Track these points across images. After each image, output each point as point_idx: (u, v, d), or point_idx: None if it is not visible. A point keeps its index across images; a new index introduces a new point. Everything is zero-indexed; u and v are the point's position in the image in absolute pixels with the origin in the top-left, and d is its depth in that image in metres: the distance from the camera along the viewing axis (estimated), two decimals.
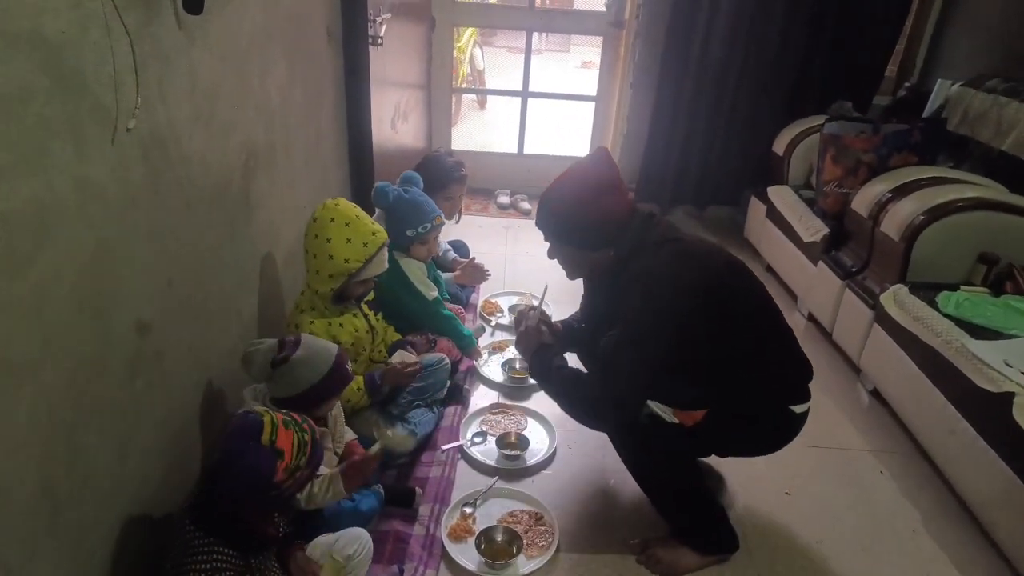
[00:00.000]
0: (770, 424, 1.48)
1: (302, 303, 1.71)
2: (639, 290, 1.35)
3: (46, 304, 0.91)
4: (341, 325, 1.70)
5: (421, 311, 2.06)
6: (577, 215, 1.40)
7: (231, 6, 1.45)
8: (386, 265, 1.75)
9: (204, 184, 1.38)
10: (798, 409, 1.46)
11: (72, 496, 1.01)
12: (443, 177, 2.45)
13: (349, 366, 1.47)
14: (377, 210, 2.13)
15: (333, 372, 1.42)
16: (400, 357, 1.83)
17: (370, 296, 1.85)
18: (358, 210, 1.71)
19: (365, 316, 1.82)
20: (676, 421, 1.43)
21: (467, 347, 2.17)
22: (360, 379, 1.70)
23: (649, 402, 1.43)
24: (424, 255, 2.13)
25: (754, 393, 1.43)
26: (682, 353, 1.35)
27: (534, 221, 1.53)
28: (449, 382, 1.98)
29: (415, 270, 2.06)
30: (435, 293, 2.09)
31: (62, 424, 0.97)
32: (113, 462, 1.11)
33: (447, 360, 1.96)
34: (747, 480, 1.80)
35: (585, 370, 1.66)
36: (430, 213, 2.07)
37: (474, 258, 2.63)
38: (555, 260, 1.54)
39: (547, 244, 1.52)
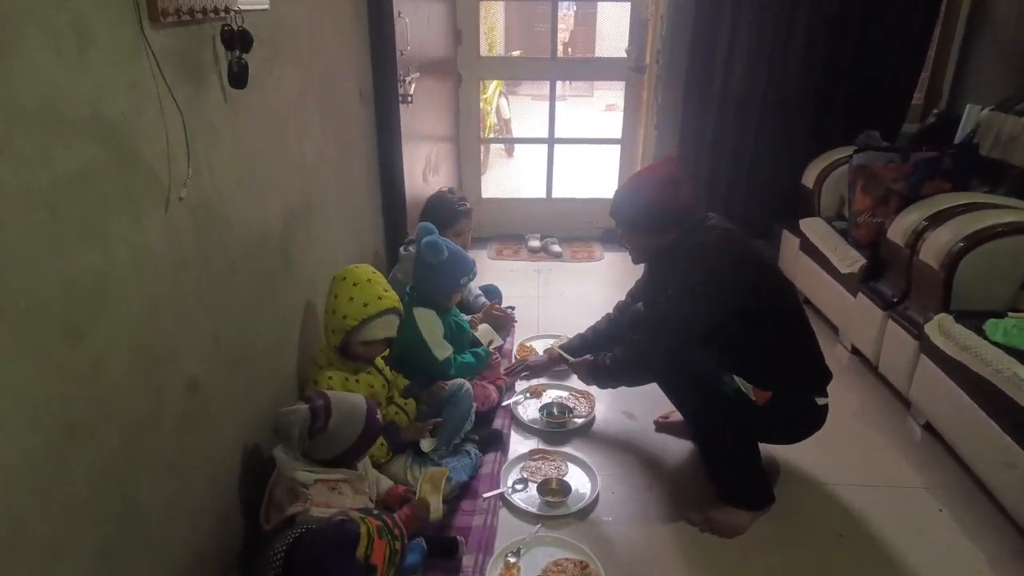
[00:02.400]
0: (800, 410, 1.70)
1: (319, 359, 1.77)
2: (690, 264, 1.64)
3: (103, 367, 0.96)
4: (357, 381, 1.75)
5: (432, 369, 2.05)
6: (647, 204, 1.71)
7: (272, 78, 1.54)
8: (393, 331, 1.79)
9: (247, 244, 1.44)
10: (820, 401, 1.69)
11: (127, 554, 1.03)
12: (451, 214, 2.53)
13: (379, 413, 1.52)
14: (404, 264, 2.22)
15: (368, 428, 1.47)
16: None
17: (387, 353, 1.89)
18: (375, 275, 1.78)
19: (380, 371, 1.86)
20: (753, 398, 1.64)
21: (485, 366, 2.21)
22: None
23: (736, 377, 1.64)
24: (456, 302, 2.21)
25: (785, 374, 1.66)
26: (718, 319, 1.61)
27: (610, 212, 1.82)
28: (474, 411, 1.96)
29: (432, 328, 2.07)
30: (448, 352, 2.08)
31: (116, 483, 1.01)
32: (164, 519, 1.14)
33: (467, 386, 1.95)
34: (800, 522, 1.74)
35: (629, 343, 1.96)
36: (470, 262, 2.17)
37: (495, 303, 2.68)
38: (626, 246, 1.86)
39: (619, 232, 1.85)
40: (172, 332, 1.15)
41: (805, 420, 1.73)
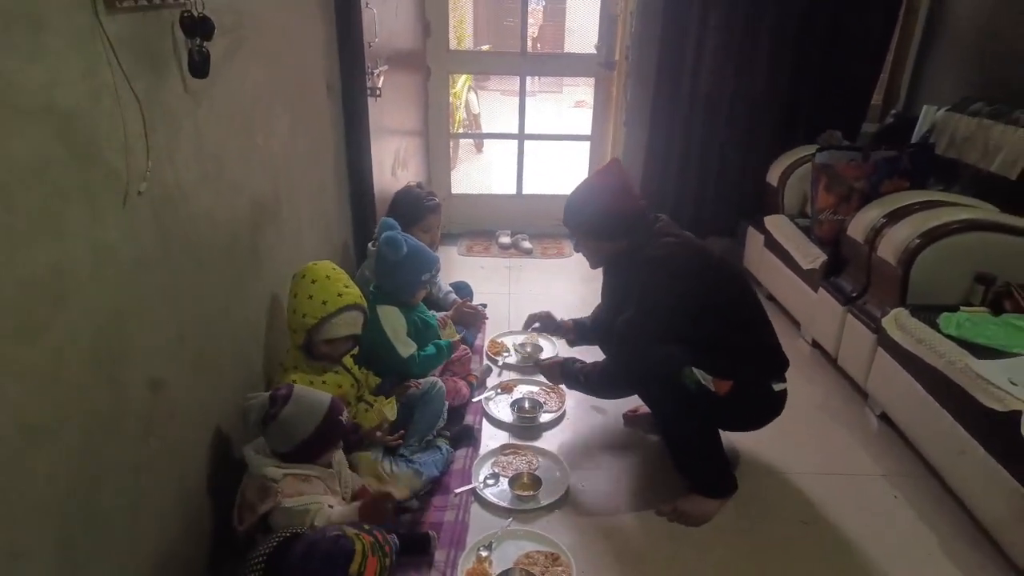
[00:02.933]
0: (759, 397, 1.75)
1: (287, 362, 1.74)
2: (643, 274, 1.70)
3: (62, 367, 0.93)
4: (324, 382, 1.71)
5: (396, 367, 2.03)
6: (598, 212, 1.76)
7: (234, 68, 1.51)
8: (356, 328, 1.77)
9: (213, 241, 1.41)
10: (776, 387, 1.74)
11: (90, 557, 1.01)
12: (419, 209, 2.51)
13: (344, 415, 1.48)
14: (372, 260, 2.19)
15: (324, 425, 1.43)
16: (379, 408, 1.82)
17: (354, 351, 1.86)
18: (334, 271, 1.76)
19: (348, 370, 1.84)
20: (713, 389, 1.67)
21: (448, 356, 2.18)
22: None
23: (695, 370, 1.67)
24: (421, 297, 2.19)
25: (740, 363, 1.70)
26: (679, 324, 1.67)
27: (563, 221, 1.87)
28: (446, 409, 1.97)
29: (395, 326, 2.05)
30: (412, 350, 2.05)
31: (79, 486, 0.98)
32: (128, 521, 1.12)
33: (440, 384, 1.96)
34: (764, 509, 1.79)
35: (603, 354, 1.99)
36: (433, 257, 2.14)
37: (466, 300, 2.67)
38: (580, 253, 1.92)
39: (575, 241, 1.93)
40: (135, 331, 1.12)
41: (765, 406, 1.78)
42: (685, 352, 1.69)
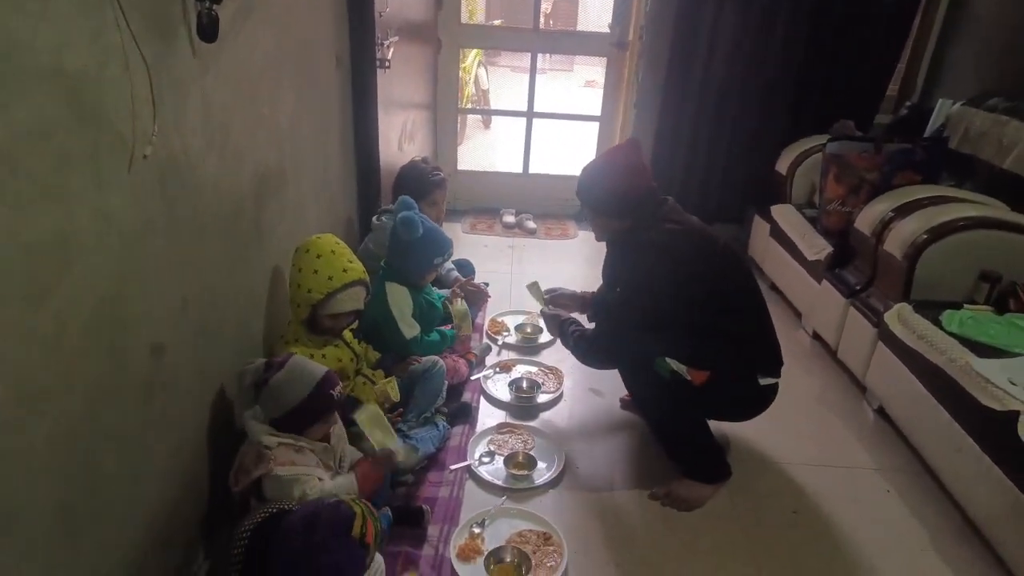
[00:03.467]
0: (742, 389, 1.74)
1: (288, 335, 1.74)
2: (639, 256, 1.72)
3: (65, 332, 0.93)
4: (324, 356, 1.71)
5: (398, 347, 2.03)
6: (612, 191, 1.75)
7: (243, 34, 1.49)
8: (359, 303, 1.77)
9: (217, 210, 1.41)
10: (762, 381, 1.72)
11: (89, 520, 1.02)
12: (425, 185, 2.51)
13: (337, 389, 1.47)
14: (377, 234, 2.16)
15: (315, 395, 1.42)
16: (383, 388, 1.81)
17: (354, 324, 1.86)
18: (338, 246, 1.75)
19: (348, 344, 1.84)
20: (689, 378, 1.68)
21: (449, 345, 2.19)
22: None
23: (669, 360, 1.69)
24: (430, 280, 2.20)
25: (729, 356, 1.69)
26: (667, 310, 1.66)
27: (575, 192, 1.87)
28: (446, 388, 1.98)
29: (401, 306, 2.04)
30: (415, 332, 2.05)
31: (80, 450, 0.99)
32: (128, 486, 1.13)
33: (441, 363, 1.96)
34: (756, 497, 1.80)
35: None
36: (448, 242, 2.14)
37: (471, 278, 2.66)
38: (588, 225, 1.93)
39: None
40: (137, 296, 1.12)
41: (748, 399, 1.77)
42: (659, 341, 1.70)
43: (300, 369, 1.45)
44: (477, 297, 2.56)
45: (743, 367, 1.72)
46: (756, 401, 1.77)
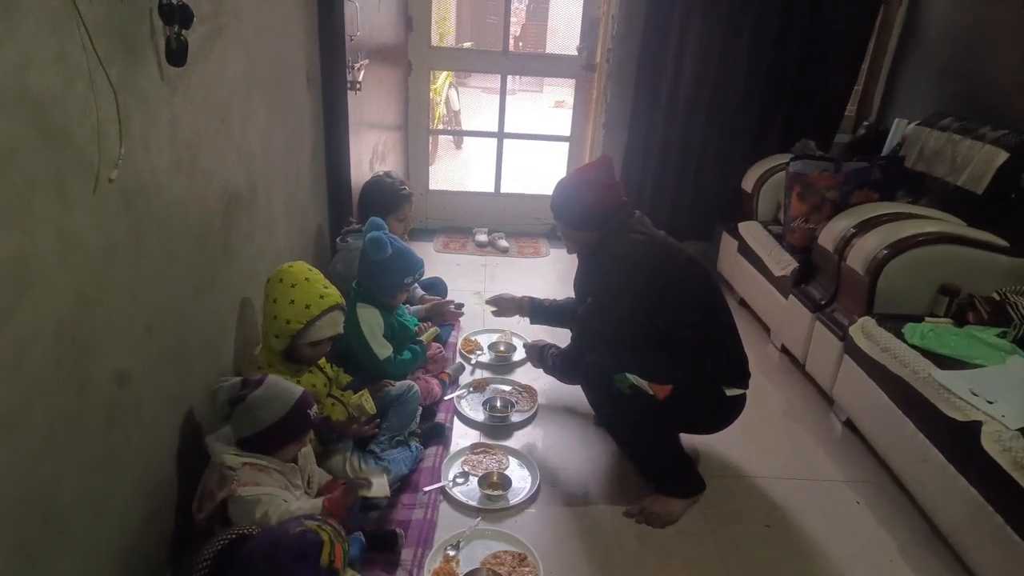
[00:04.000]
0: (708, 401, 1.76)
1: (259, 360, 1.71)
2: (606, 267, 1.79)
3: (25, 357, 0.91)
4: (298, 382, 1.67)
5: (371, 367, 2.01)
6: (580, 202, 1.83)
7: (212, 56, 1.48)
8: (339, 328, 1.75)
9: (185, 231, 1.39)
10: (729, 392, 1.74)
11: (48, 554, 0.98)
12: (396, 199, 2.49)
13: (313, 410, 1.47)
14: (343, 255, 2.15)
15: (291, 415, 1.41)
16: (358, 402, 1.77)
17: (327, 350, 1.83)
18: (311, 272, 1.73)
19: (321, 369, 1.82)
20: (651, 392, 1.68)
21: (423, 361, 2.20)
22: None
23: (629, 375, 1.68)
24: (400, 301, 2.17)
25: (693, 368, 1.71)
26: (634, 320, 1.73)
27: (549, 205, 1.93)
28: (420, 412, 1.96)
29: (372, 327, 2.03)
30: (388, 352, 2.04)
31: (38, 480, 0.95)
32: (89, 516, 1.09)
33: (416, 387, 1.95)
34: (729, 512, 1.82)
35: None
36: (418, 262, 2.11)
37: (443, 299, 2.65)
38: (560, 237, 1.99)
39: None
40: (101, 321, 1.09)
41: (715, 411, 1.80)
42: (616, 358, 1.73)
43: (278, 388, 1.43)
44: (446, 314, 2.55)
45: (707, 379, 1.74)
46: (723, 412, 1.80)
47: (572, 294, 2.17)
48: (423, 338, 2.25)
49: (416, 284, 2.63)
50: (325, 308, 1.69)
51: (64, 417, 1.00)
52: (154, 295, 1.27)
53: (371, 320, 2.03)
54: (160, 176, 1.26)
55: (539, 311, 2.26)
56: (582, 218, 1.85)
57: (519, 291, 2.97)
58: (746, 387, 1.79)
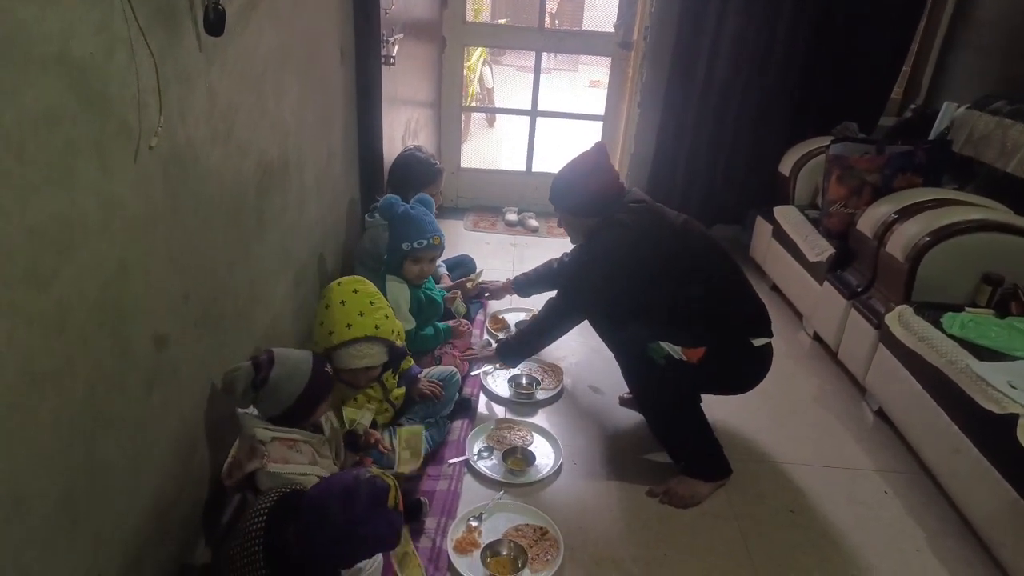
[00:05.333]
0: (739, 356, 1.76)
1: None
2: (603, 233, 1.80)
3: (68, 318, 0.94)
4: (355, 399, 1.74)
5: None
6: (586, 192, 1.84)
7: (249, 28, 1.50)
8: (366, 360, 1.64)
9: (220, 201, 1.41)
10: (756, 342, 1.74)
11: (91, 507, 1.03)
12: (426, 174, 2.51)
13: (328, 368, 1.49)
14: (371, 232, 2.21)
15: (314, 380, 1.45)
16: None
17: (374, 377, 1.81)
18: (354, 295, 1.66)
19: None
20: (685, 358, 1.68)
21: (442, 341, 2.21)
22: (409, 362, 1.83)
23: (663, 344, 1.69)
24: (415, 275, 2.13)
25: (716, 326, 1.72)
26: (641, 293, 1.75)
27: (548, 199, 1.97)
28: (458, 395, 2.00)
29: (399, 300, 2.05)
30: (411, 326, 2.07)
31: (82, 436, 0.99)
32: (129, 475, 1.14)
33: (457, 375, 1.98)
34: (753, 496, 1.81)
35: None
36: (428, 232, 2.09)
37: (471, 276, 2.63)
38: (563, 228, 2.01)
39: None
40: (140, 286, 1.12)
41: (747, 364, 1.79)
42: (645, 328, 1.73)
43: (292, 360, 1.47)
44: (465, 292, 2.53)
45: (733, 334, 1.74)
46: (755, 364, 1.79)
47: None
48: (454, 307, 2.28)
49: (435, 259, 2.64)
50: (347, 339, 1.60)
51: (106, 376, 1.04)
52: (191, 263, 1.30)
53: (398, 293, 2.06)
54: (197, 147, 1.28)
55: (524, 284, 2.34)
56: (582, 204, 1.86)
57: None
58: (771, 335, 1.78)
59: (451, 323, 2.26)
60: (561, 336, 1.96)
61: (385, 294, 2.01)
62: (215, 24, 1.25)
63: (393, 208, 2.05)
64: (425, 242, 2.08)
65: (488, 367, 2.26)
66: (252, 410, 1.47)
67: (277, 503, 1.20)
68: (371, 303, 1.68)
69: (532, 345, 1.99)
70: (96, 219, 0.99)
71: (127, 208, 1.06)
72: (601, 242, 1.80)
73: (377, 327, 1.65)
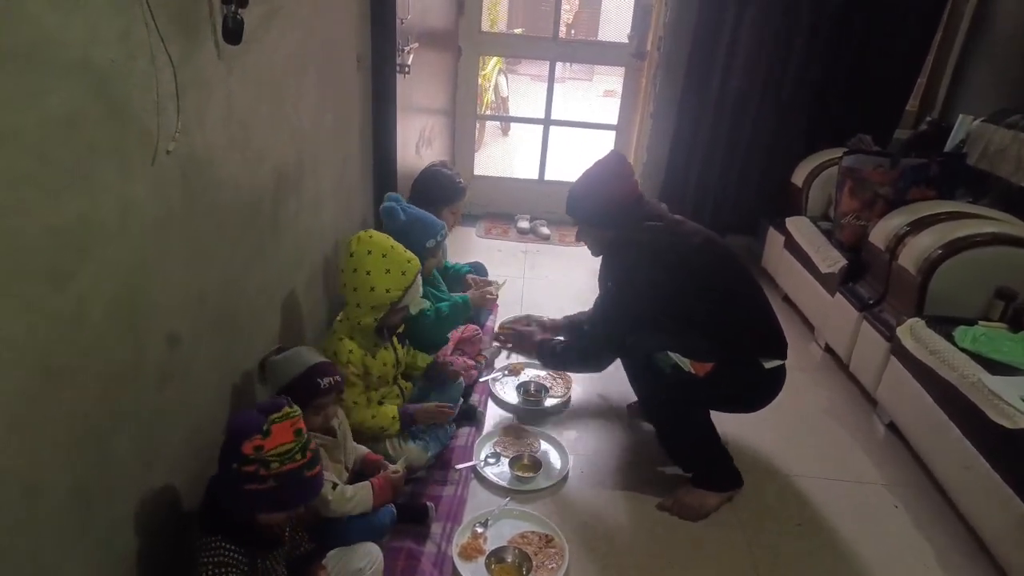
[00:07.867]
0: (748, 376, 1.73)
1: (340, 331, 1.73)
2: (624, 256, 1.78)
3: (85, 315, 0.97)
4: (374, 357, 1.74)
5: (415, 327, 2.06)
6: (604, 201, 1.81)
7: (268, 36, 1.53)
8: (421, 291, 1.80)
9: (236, 206, 1.44)
10: (768, 364, 1.71)
11: (103, 500, 1.05)
12: (451, 191, 2.52)
13: (327, 380, 1.47)
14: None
15: (303, 376, 1.45)
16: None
17: (400, 328, 1.89)
18: (392, 240, 1.76)
19: (394, 349, 1.85)
20: (692, 371, 1.67)
21: (467, 312, 2.25)
22: (394, 409, 1.76)
23: (670, 353, 1.68)
24: (430, 267, 2.21)
25: (730, 344, 1.69)
26: (659, 308, 1.72)
27: (566, 210, 1.93)
28: (462, 401, 2.01)
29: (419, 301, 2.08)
30: (425, 305, 2.05)
31: (96, 430, 1.02)
32: (141, 469, 1.16)
33: (461, 378, 1.99)
34: (761, 508, 1.80)
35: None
36: (437, 224, 2.17)
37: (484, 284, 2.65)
38: (582, 241, 1.96)
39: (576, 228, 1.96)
40: (156, 285, 1.15)
41: (757, 385, 1.76)
42: (654, 338, 1.72)
43: (298, 357, 1.50)
44: (481, 301, 2.54)
45: (744, 353, 1.71)
46: (765, 386, 1.76)
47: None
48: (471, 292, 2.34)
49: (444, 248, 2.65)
50: (417, 272, 1.75)
51: (120, 374, 1.06)
52: (206, 264, 1.32)
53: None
54: (214, 152, 1.31)
55: (549, 356, 2.00)
56: (600, 214, 1.82)
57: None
58: (784, 358, 1.75)
59: (469, 293, 2.33)
60: (595, 371, 2.00)
61: None
62: (234, 33, 1.28)
63: (395, 215, 2.07)
64: (441, 234, 2.17)
65: (498, 374, 2.27)
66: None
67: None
68: (403, 248, 1.77)
69: (567, 366, 2.05)
70: (114, 220, 1.01)
71: (145, 210, 1.09)
72: (626, 270, 1.77)
73: (418, 260, 1.78)
